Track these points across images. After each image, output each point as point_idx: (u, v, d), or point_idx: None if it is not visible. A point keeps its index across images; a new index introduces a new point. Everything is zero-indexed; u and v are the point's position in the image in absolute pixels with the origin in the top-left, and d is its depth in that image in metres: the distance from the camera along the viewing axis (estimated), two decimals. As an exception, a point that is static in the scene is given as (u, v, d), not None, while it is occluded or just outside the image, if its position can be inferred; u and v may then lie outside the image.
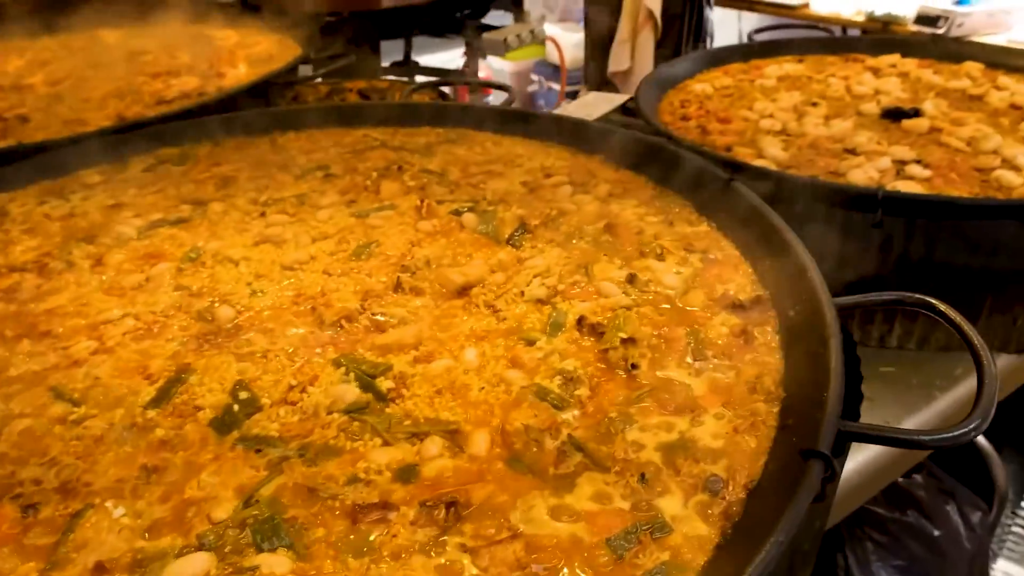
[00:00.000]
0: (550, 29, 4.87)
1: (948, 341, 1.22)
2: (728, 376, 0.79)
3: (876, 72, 1.85)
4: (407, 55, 3.77)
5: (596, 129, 1.33)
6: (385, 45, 3.83)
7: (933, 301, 0.79)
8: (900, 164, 1.38)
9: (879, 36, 2.00)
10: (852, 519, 1.74)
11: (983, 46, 1.92)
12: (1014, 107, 1.61)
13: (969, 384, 1.19)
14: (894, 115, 1.57)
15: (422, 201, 1.16)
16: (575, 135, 1.34)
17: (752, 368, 0.79)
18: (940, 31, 2.93)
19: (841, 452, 0.72)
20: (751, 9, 3.74)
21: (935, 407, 1.16)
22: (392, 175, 1.29)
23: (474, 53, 3.57)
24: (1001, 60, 1.84)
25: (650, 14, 3.32)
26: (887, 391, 1.17)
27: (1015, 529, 2.34)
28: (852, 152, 1.44)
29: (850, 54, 1.98)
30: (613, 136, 1.28)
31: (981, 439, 2.04)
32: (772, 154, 1.42)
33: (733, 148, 1.48)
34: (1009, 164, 1.35)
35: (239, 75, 1.91)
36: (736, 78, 1.87)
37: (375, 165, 1.33)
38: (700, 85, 1.80)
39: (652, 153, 1.23)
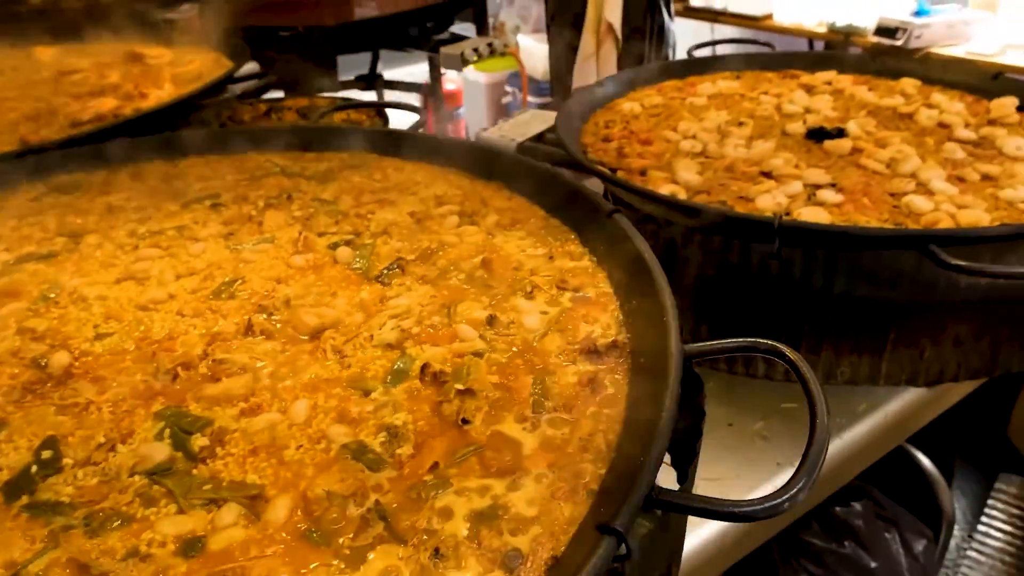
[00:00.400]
0: (524, 40, 4.84)
1: (854, 374, 1.18)
2: (563, 432, 0.74)
3: (810, 89, 1.81)
4: (372, 69, 3.73)
5: (491, 154, 1.29)
6: (352, 59, 3.80)
7: (783, 348, 0.75)
8: (813, 188, 1.34)
9: (818, 52, 1.96)
10: (786, 549, 1.69)
11: (922, 61, 1.88)
12: (941, 126, 1.56)
13: (871, 421, 1.15)
14: (818, 135, 1.53)
15: (300, 234, 1.12)
16: (473, 160, 1.30)
17: (590, 423, 0.75)
18: (899, 43, 2.88)
19: (665, 526, 0.68)
20: (715, 20, 3.70)
21: (830, 446, 1.11)
22: (280, 204, 1.24)
23: (436, 67, 3.53)
24: (938, 76, 1.80)
25: (610, 28, 3.28)
26: (785, 429, 1.12)
27: (970, 553, 2.29)
28: (768, 175, 1.40)
29: (788, 71, 1.94)
30: (507, 162, 1.24)
31: (926, 462, 1.99)
32: (685, 178, 1.38)
33: (648, 171, 1.44)
34: (924, 188, 1.31)
35: (161, 95, 1.87)
36: (668, 96, 1.83)
37: (267, 193, 1.28)
38: (629, 104, 1.75)
39: (544, 181, 1.19)
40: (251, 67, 2.53)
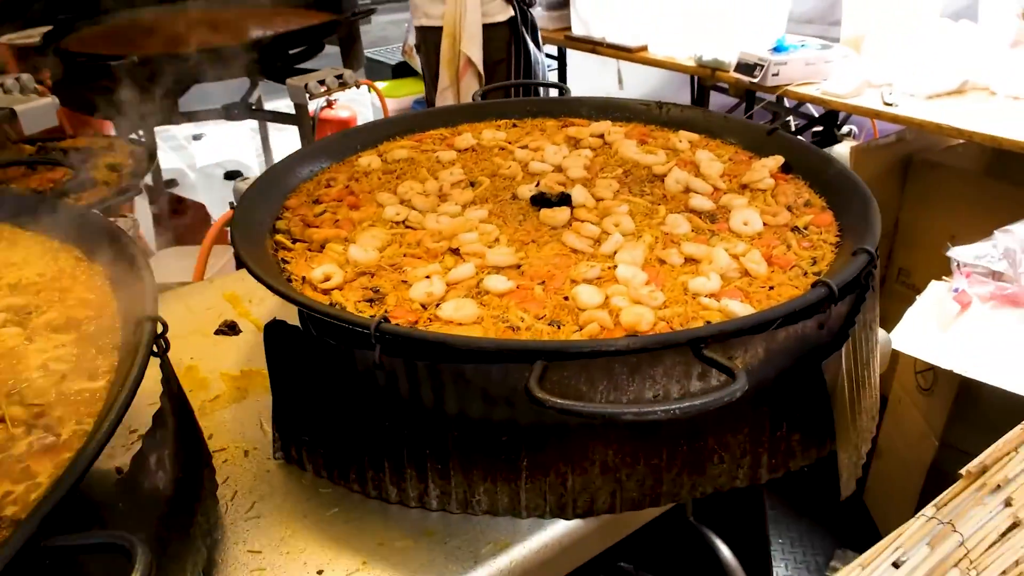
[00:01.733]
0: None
1: (492, 504, 0.98)
2: None
3: (576, 143, 1.63)
4: (244, 98, 3.54)
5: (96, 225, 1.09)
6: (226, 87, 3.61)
7: (133, 547, 0.55)
8: (494, 270, 1.15)
9: (605, 99, 1.78)
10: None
11: (708, 113, 1.71)
12: (686, 191, 1.39)
13: (496, 564, 0.95)
14: (539, 202, 1.34)
15: None
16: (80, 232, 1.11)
17: None
18: (756, 79, 2.73)
19: None
20: (594, 51, 3.55)
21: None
22: None
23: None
24: (719, 128, 1.63)
25: (469, 61, 3.12)
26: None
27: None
28: (456, 252, 1.22)
29: (568, 119, 1.76)
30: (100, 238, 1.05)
31: (726, 553, 1.80)
32: (355, 256, 1.19)
33: (328, 245, 1.25)
34: (605, 278, 1.12)
35: None
36: (423, 147, 1.64)
37: None
38: (368, 158, 1.56)
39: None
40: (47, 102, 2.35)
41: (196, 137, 5.15)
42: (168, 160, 4.84)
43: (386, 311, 1.04)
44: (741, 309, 1.02)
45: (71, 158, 2.03)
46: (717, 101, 3.50)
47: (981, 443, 1.26)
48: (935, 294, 2.10)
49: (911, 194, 2.98)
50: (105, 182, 1.96)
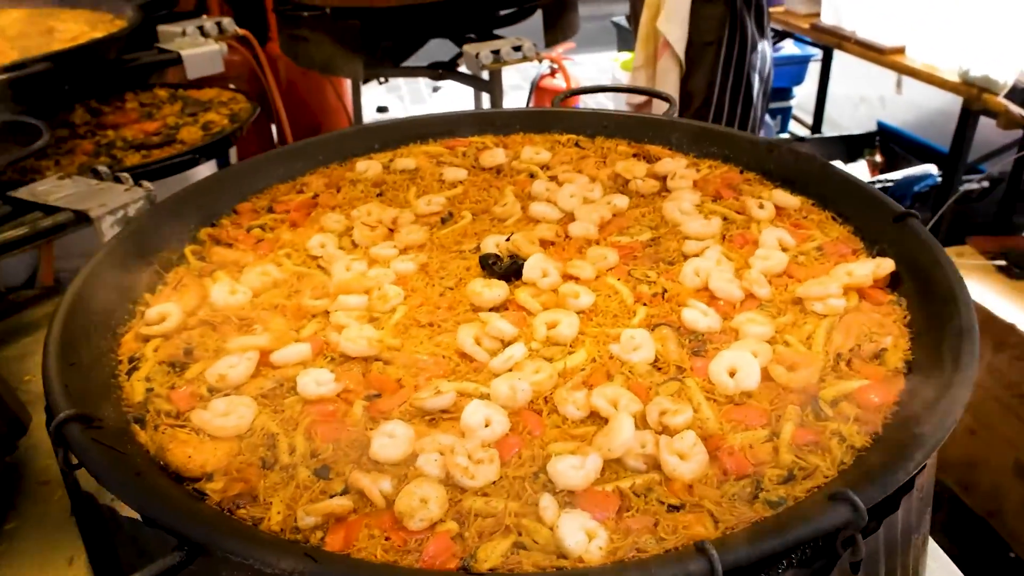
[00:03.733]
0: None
1: None
2: None
3: (624, 183, 1.21)
4: (454, 59, 3.45)
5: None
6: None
7: None
8: (338, 360, 0.85)
9: (702, 127, 1.30)
10: None
11: (829, 169, 1.18)
12: (703, 290, 0.93)
13: None
14: (486, 266, 0.99)
15: None
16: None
17: None
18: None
19: None
20: (839, 46, 2.82)
21: None
22: None
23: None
24: (837, 195, 1.11)
25: (667, 41, 2.65)
26: None
27: None
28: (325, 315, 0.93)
29: (648, 145, 1.32)
30: None
31: None
32: (215, 296, 0.96)
33: (216, 273, 1.03)
34: (450, 413, 0.76)
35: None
36: (443, 157, 1.34)
37: None
38: (367, 164, 1.31)
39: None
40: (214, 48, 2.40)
41: (435, 89, 5.24)
42: (398, 109, 5.00)
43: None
44: None
45: (189, 106, 2.05)
46: (988, 136, 2.61)
47: None
48: None
49: None
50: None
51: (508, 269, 0.97)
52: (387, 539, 0.63)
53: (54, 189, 1.32)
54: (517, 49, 2.75)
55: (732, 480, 0.68)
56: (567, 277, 0.97)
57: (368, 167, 1.30)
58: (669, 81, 2.77)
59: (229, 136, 1.87)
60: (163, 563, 0.56)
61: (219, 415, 0.76)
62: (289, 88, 4.20)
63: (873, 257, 0.97)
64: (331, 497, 0.67)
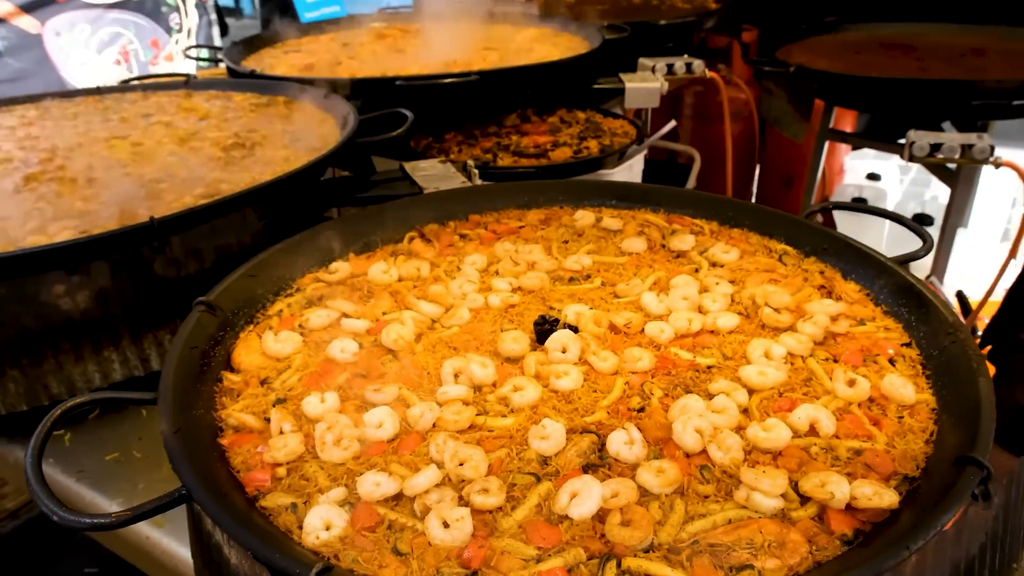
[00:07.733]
0: None
1: None
2: None
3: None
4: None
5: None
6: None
7: None
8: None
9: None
10: None
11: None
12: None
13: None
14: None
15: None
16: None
17: None
18: None
19: None
20: None
21: None
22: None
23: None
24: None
25: None
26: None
27: None
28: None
29: (843, 283, 1.16)
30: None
31: None
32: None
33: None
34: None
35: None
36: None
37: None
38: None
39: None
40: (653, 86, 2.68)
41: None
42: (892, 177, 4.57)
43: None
44: None
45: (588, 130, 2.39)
46: None
47: None
48: None
49: None
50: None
51: (547, 333, 1.07)
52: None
53: (426, 168, 1.81)
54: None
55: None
56: (584, 362, 1.02)
57: (582, 217, 1.44)
58: None
59: (588, 160, 2.15)
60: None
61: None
62: (771, 136, 4.30)
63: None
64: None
